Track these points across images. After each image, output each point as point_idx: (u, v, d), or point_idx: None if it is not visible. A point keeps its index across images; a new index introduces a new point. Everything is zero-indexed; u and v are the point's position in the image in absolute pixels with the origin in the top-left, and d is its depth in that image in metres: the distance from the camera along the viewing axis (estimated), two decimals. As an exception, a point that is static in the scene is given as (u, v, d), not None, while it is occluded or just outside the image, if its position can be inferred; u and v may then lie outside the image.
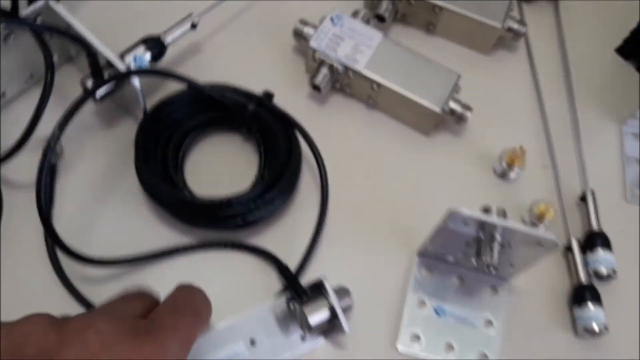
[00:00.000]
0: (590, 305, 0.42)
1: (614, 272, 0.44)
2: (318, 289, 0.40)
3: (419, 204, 0.47)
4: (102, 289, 0.42)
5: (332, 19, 0.49)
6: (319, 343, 0.41)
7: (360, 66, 0.48)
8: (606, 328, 0.42)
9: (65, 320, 0.29)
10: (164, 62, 0.49)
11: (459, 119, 0.48)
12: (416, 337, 0.42)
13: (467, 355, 0.42)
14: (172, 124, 0.46)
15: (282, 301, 0.41)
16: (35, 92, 0.43)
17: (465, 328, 0.43)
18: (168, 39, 0.47)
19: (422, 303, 0.43)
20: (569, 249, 0.45)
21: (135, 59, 0.45)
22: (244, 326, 0.40)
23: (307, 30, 0.49)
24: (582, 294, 0.43)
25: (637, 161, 0.51)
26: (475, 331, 0.43)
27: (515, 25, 0.52)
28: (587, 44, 0.56)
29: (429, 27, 0.54)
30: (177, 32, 0.48)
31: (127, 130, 0.47)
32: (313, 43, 0.48)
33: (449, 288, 0.44)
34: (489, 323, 0.43)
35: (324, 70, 0.48)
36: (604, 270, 0.44)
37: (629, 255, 0.46)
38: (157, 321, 0.30)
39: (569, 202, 0.48)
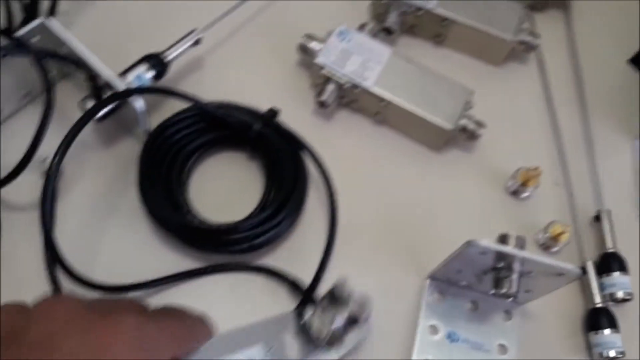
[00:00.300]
0: (606, 331, 0.41)
1: (630, 295, 0.43)
2: (334, 299, 0.39)
3: (430, 223, 0.46)
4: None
5: (339, 34, 0.48)
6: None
7: (370, 83, 0.46)
8: (623, 353, 0.41)
9: (35, 304, 0.29)
10: (165, 77, 0.47)
11: (471, 136, 0.46)
12: (429, 365, 0.41)
13: (481, 383, 0.41)
14: (176, 145, 0.45)
15: (296, 314, 0.40)
16: (31, 109, 0.41)
17: (478, 354, 0.42)
18: (170, 56, 0.46)
19: (434, 329, 0.42)
20: (583, 270, 0.44)
21: (137, 78, 0.43)
22: (261, 331, 0.39)
23: (313, 45, 0.48)
24: (598, 319, 0.42)
25: (650, 177, 0.50)
26: (489, 357, 0.42)
27: (528, 38, 0.50)
28: (600, 53, 0.55)
29: (438, 39, 0.53)
30: (180, 49, 0.46)
31: (128, 148, 0.46)
32: (320, 59, 0.47)
33: (462, 312, 0.43)
34: (503, 349, 0.42)
35: (331, 87, 0.47)
36: (620, 295, 0.43)
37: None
38: (126, 302, 0.30)
39: (582, 220, 0.47)
